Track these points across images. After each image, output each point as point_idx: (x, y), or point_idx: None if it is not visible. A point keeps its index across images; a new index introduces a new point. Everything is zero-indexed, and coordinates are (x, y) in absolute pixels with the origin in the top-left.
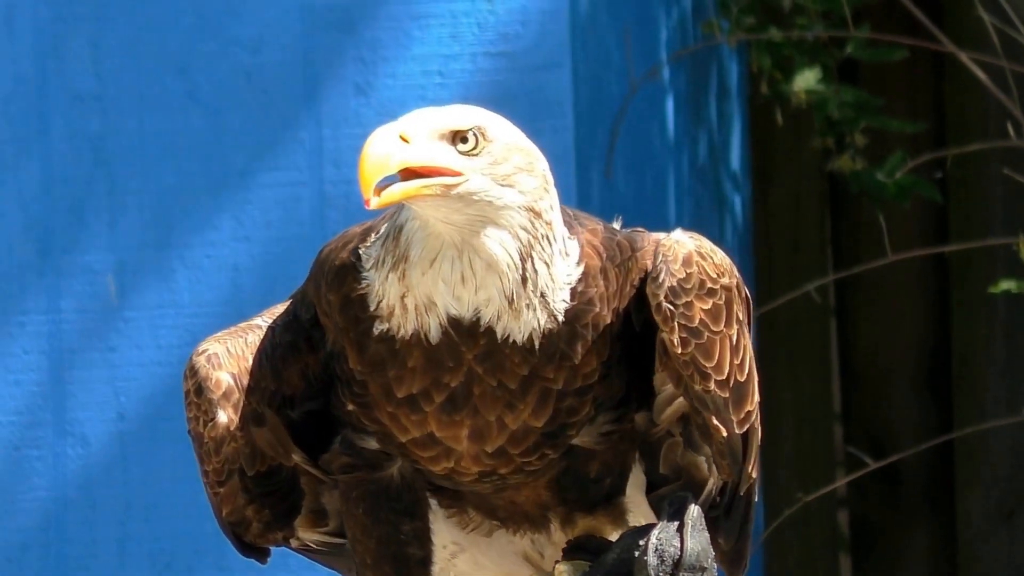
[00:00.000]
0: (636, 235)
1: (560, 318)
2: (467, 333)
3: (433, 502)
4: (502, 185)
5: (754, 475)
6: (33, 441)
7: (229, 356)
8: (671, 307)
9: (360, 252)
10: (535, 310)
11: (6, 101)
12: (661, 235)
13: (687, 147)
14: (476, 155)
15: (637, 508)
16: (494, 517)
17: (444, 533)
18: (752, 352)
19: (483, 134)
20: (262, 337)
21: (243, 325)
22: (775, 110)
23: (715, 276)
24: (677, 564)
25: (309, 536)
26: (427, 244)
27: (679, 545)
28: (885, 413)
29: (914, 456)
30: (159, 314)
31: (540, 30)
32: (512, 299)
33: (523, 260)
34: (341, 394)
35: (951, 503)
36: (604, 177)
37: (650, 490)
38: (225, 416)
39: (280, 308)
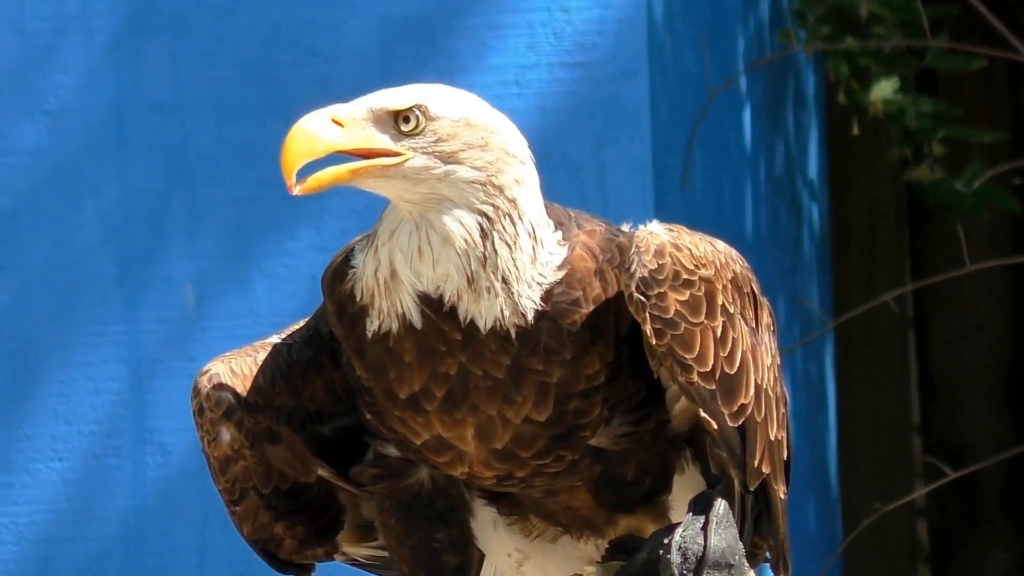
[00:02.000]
0: None
1: (529, 316)
2: (443, 312)
3: (492, 510)
4: (448, 163)
5: (765, 470)
6: (113, 450)
7: (233, 375)
8: (643, 298)
9: (355, 248)
10: (497, 296)
11: (85, 112)
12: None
13: (764, 157)
14: (418, 134)
15: (685, 507)
16: (556, 523)
17: (507, 541)
18: (751, 344)
19: (425, 113)
20: (269, 355)
21: (256, 344)
22: (852, 120)
23: (692, 268)
24: (701, 561)
25: (356, 551)
26: (392, 217)
27: (703, 543)
28: (963, 423)
29: (993, 466)
30: (237, 324)
31: (617, 40)
32: (471, 278)
33: (484, 237)
34: (360, 405)
35: None
36: (681, 187)
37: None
38: (228, 435)
39: (298, 326)
